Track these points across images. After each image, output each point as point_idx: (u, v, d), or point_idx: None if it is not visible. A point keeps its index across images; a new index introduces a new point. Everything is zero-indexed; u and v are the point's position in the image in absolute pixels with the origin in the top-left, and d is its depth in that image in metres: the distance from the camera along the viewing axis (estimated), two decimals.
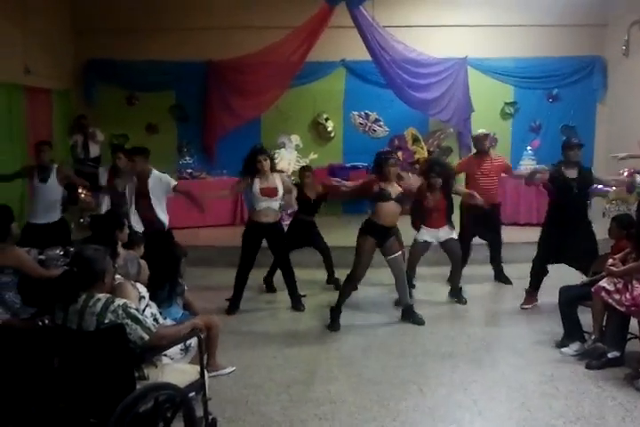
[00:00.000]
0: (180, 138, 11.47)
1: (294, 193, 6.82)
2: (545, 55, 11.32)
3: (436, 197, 6.67)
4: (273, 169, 6.55)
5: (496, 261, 7.69)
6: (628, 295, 4.83)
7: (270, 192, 6.40)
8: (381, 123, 11.68)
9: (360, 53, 10.34)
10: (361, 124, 11.68)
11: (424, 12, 11.13)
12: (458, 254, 6.88)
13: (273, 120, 11.27)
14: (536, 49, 11.27)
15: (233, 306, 6.59)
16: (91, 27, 10.95)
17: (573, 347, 5.26)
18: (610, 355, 4.92)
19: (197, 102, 11.33)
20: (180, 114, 11.53)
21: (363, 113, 11.64)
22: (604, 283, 5.00)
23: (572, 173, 6.27)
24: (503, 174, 7.68)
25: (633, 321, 4.97)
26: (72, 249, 5.12)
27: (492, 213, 7.41)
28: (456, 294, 6.96)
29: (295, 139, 11.05)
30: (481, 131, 7.83)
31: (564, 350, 5.30)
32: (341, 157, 11.56)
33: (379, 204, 6.02)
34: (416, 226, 6.89)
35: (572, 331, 5.32)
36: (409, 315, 6.25)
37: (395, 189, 6.04)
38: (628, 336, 5.08)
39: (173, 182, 6.83)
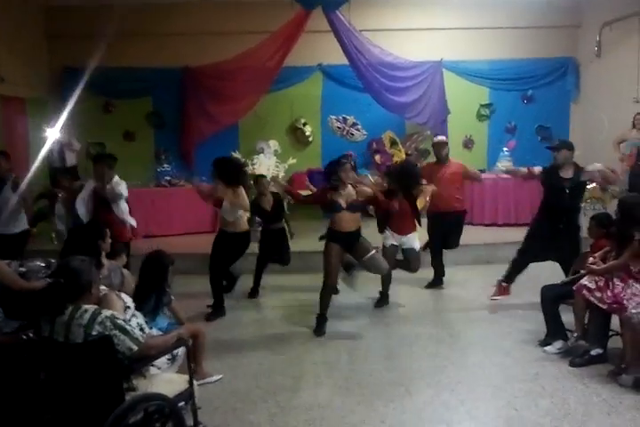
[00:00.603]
0: (157, 145, 11.42)
1: (241, 211, 6.62)
2: (519, 57, 11.50)
3: (399, 202, 6.52)
4: (239, 184, 6.46)
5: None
6: (609, 293, 4.90)
7: (216, 201, 6.58)
8: (359, 126, 11.74)
9: (337, 58, 10.40)
10: (339, 128, 11.73)
11: (399, 16, 11.22)
12: (413, 265, 6.87)
13: (250, 126, 11.28)
14: (510, 51, 11.43)
15: (214, 313, 6.60)
16: (65, 34, 10.85)
17: (556, 345, 5.32)
18: (593, 352, 4.99)
19: (174, 109, 11.29)
20: (157, 121, 11.48)
21: (340, 117, 11.70)
22: (585, 281, 5.07)
23: (566, 174, 6.28)
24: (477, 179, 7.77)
25: (614, 318, 5.04)
26: (54, 261, 5.07)
27: (456, 221, 7.44)
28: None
29: (273, 144, 11.07)
30: (440, 138, 7.75)
31: (547, 348, 5.36)
32: (320, 161, 11.57)
33: (333, 213, 6.05)
34: (381, 231, 6.91)
35: (555, 329, 5.39)
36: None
37: (348, 196, 5.99)
38: (610, 333, 5.15)
39: (125, 193, 6.90)
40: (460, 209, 7.49)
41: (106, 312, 3.25)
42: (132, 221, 6.94)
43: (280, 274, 7.98)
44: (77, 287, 3.29)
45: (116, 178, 6.87)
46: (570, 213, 6.31)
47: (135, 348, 3.23)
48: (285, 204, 7.90)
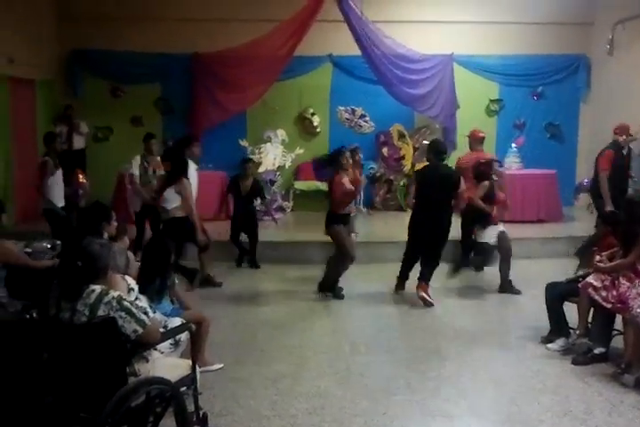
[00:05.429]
0: (165, 131, 11.36)
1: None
2: (530, 53, 11.42)
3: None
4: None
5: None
6: (614, 292, 4.87)
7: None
8: (367, 118, 11.69)
9: (347, 48, 10.36)
10: (347, 119, 11.68)
11: (411, 8, 11.13)
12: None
13: (259, 114, 11.22)
14: (522, 47, 11.36)
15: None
16: (76, 16, 10.81)
17: (559, 342, 5.30)
18: (596, 351, 4.97)
19: (183, 95, 11.23)
20: (165, 107, 11.44)
21: (349, 108, 11.65)
22: (591, 279, 5.05)
23: None
24: None
25: (618, 317, 5.02)
26: (59, 242, 5.07)
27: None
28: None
29: (281, 133, 11.02)
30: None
31: (549, 345, 5.34)
32: (327, 152, 11.52)
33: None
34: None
35: (558, 327, 5.37)
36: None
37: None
38: (614, 333, 5.14)
39: None
40: None
41: (113, 293, 3.25)
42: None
43: (282, 265, 8.04)
44: (93, 272, 3.30)
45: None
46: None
47: (140, 330, 3.22)
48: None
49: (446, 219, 6.68)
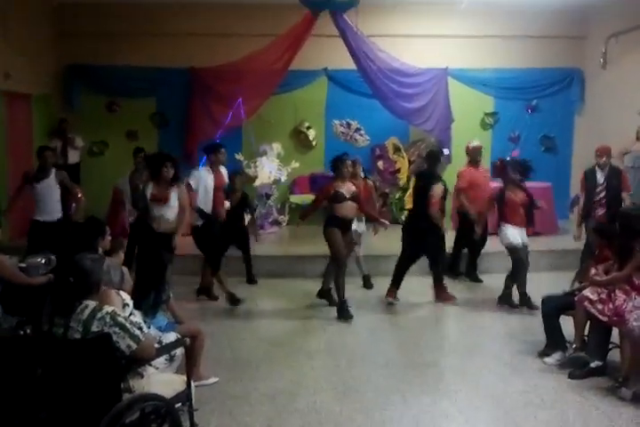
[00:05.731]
0: (160, 145, 11.36)
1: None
2: (525, 66, 11.47)
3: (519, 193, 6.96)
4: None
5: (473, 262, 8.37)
6: (610, 305, 4.87)
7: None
8: (362, 132, 11.71)
9: (342, 62, 10.40)
10: (342, 133, 11.70)
11: (406, 23, 11.20)
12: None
13: (254, 128, 11.23)
14: (516, 60, 11.41)
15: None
16: (73, 31, 10.86)
17: (556, 356, 5.29)
18: (592, 364, 4.96)
19: (179, 109, 11.23)
20: (161, 121, 11.45)
21: (344, 122, 11.67)
22: (587, 292, 5.05)
23: None
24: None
25: (615, 331, 5.01)
26: (53, 257, 5.05)
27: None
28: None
29: (276, 147, 11.03)
30: (478, 143, 8.38)
31: (546, 359, 5.33)
32: (323, 165, 11.55)
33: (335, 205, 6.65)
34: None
35: (555, 340, 5.36)
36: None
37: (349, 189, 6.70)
38: (610, 346, 5.12)
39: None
40: (483, 211, 7.62)
41: (107, 308, 3.23)
42: None
43: (278, 278, 8.03)
44: (86, 287, 3.28)
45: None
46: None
47: (135, 346, 3.20)
48: None
49: (431, 225, 6.90)
